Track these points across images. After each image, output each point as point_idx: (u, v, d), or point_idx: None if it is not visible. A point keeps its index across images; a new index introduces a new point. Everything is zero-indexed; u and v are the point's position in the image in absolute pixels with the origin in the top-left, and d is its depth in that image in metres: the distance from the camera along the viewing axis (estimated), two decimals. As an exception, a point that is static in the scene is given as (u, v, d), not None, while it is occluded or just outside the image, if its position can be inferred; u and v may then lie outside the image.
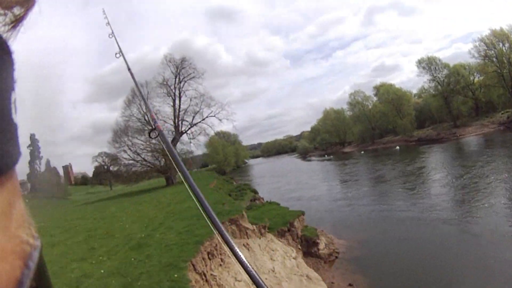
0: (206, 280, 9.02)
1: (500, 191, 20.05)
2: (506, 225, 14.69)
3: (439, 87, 71.65)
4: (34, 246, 0.39)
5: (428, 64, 72.53)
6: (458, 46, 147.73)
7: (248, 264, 1.43)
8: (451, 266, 12.31)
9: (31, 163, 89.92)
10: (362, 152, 76.90)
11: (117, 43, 3.02)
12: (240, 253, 1.47)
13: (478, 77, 68.03)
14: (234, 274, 10.10)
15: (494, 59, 60.37)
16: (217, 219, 1.69)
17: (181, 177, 2.05)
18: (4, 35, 0.38)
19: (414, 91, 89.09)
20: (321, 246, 15.93)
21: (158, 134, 2.23)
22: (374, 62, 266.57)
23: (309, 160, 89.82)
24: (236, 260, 1.46)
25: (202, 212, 1.85)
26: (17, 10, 0.40)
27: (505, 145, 37.31)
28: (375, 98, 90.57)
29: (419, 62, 74.16)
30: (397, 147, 66.03)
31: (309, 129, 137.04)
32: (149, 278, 7.89)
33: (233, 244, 1.53)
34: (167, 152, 2.08)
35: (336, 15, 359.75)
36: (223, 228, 1.62)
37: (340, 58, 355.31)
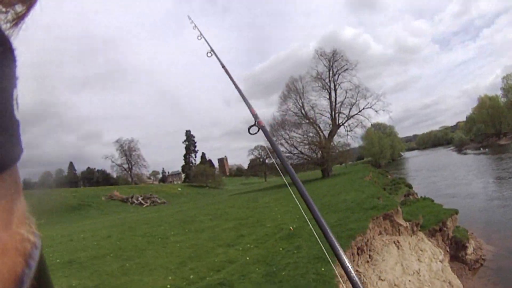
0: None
1: None
2: None
3: None
4: (35, 243, 0.39)
5: None
6: None
7: (353, 272, 1.35)
8: None
9: (186, 156, 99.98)
10: None
11: (208, 43, 3.12)
12: (345, 258, 1.39)
13: None
14: (379, 273, 9.55)
15: None
16: (324, 222, 1.58)
17: (281, 174, 2.07)
18: (6, 32, 0.38)
19: None
20: (469, 250, 14.28)
21: (258, 130, 2.20)
22: None
23: (464, 154, 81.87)
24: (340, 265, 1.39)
25: (304, 213, 1.83)
26: (18, 8, 0.40)
27: None
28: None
29: None
30: None
31: (464, 118, 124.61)
32: (294, 269, 7.74)
33: (340, 250, 1.43)
34: (267, 149, 1.71)
35: None
36: (330, 233, 1.51)
37: (487, 38, 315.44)
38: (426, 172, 52.89)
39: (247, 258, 9.10)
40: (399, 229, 13.06)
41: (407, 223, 13.69)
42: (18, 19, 0.40)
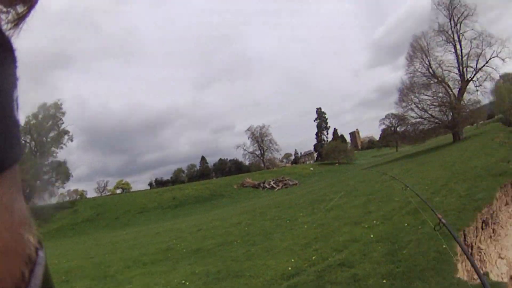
0: (471, 254, 7.80)
1: None
2: None
3: None
4: (36, 244, 0.39)
5: None
6: None
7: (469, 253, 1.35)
8: None
9: (318, 134, 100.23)
10: None
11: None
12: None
13: None
14: (500, 250, 8.85)
15: None
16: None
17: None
18: (7, 33, 0.39)
19: None
20: None
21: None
22: None
23: None
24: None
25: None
26: (20, 8, 0.41)
27: None
28: None
29: None
30: None
31: None
32: (416, 247, 7.52)
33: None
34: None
35: None
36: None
37: None
38: None
39: (371, 236, 9.00)
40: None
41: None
42: (19, 20, 0.41)
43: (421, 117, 45.47)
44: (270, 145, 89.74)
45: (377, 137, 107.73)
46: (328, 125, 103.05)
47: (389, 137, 77.31)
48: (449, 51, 45.63)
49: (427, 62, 44.66)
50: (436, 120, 44.80)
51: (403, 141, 56.36)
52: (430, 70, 44.62)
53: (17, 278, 0.34)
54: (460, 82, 44.88)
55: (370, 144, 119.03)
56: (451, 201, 10.67)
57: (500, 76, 53.30)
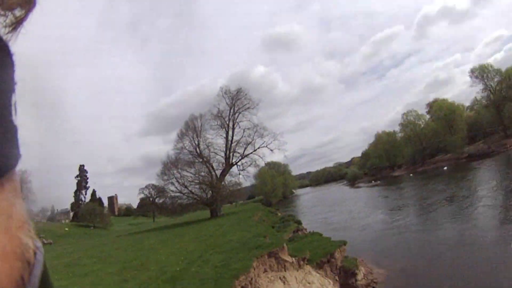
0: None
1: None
2: None
3: (491, 96, 70.54)
4: (35, 248, 0.39)
5: (481, 73, 71.71)
6: (509, 47, 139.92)
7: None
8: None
9: (77, 193, 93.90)
10: (411, 175, 75.44)
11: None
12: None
13: None
14: None
15: None
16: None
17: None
18: (5, 37, 0.39)
19: (467, 104, 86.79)
20: (359, 276, 15.69)
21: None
22: (427, 77, 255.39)
23: (357, 187, 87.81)
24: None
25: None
26: (18, 12, 0.41)
27: None
28: (428, 117, 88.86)
29: (472, 71, 73.47)
30: (445, 168, 64.58)
31: (360, 155, 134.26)
32: None
33: None
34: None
35: (390, 31, 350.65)
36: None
37: (394, 77, 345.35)
38: (315, 208, 56.12)
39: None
40: (284, 265, 13.89)
41: (293, 258, 14.63)
42: (17, 24, 0.41)
43: (180, 191, 47.45)
44: (29, 194, 79.11)
45: (135, 205, 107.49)
46: (88, 185, 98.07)
47: (147, 206, 77.92)
48: (221, 135, 50.11)
49: (196, 142, 47.86)
50: (195, 196, 47.39)
51: (161, 212, 57.67)
52: (198, 149, 47.85)
53: (15, 281, 0.34)
54: (223, 165, 49.07)
55: (128, 211, 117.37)
56: (207, 271, 11.53)
57: (265, 163, 60.62)
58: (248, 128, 49.79)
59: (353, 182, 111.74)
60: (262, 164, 54.37)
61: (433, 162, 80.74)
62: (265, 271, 12.84)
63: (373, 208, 38.64)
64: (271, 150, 50.14)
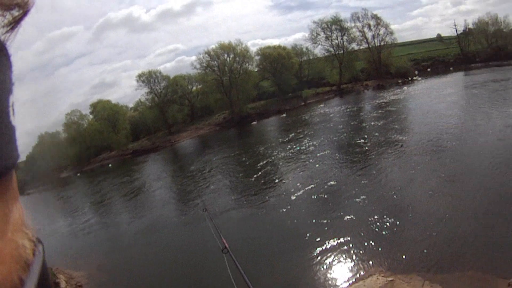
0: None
1: (213, 177, 25.34)
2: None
3: (156, 98, 77.38)
4: (33, 250, 0.39)
5: (148, 78, 77.18)
6: (181, 59, 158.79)
7: None
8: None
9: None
10: (78, 174, 75.52)
11: None
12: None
13: (197, 86, 76.50)
14: None
15: (216, 68, 69.97)
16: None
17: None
18: (2, 37, 0.39)
19: (131, 105, 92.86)
20: (63, 285, 15.06)
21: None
22: (94, 79, 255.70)
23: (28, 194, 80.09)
24: None
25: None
26: (15, 12, 0.41)
27: (216, 141, 45.70)
28: (91, 116, 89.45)
29: (139, 76, 77.88)
30: (110, 165, 67.99)
31: (25, 158, 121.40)
32: None
33: None
34: None
35: (69, 30, 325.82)
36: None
37: (62, 76, 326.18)
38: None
39: None
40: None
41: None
42: (15, 24, 0.40)
43: None
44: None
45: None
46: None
47: None
48: None
49: None
50: None
51: None
52: None
53: (13, 283, 0.34)
54: None
55: None
56: None
57: None
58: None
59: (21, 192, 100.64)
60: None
61: (99, 160, 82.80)
62: None
63: (48, 217, 36.19)
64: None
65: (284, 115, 55.05)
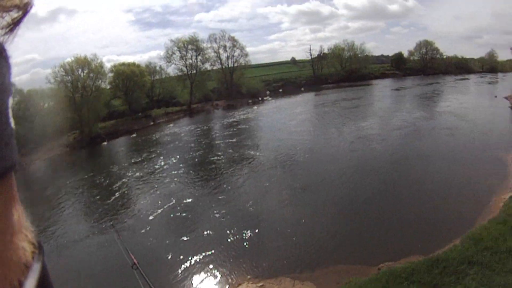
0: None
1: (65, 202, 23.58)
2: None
3: None
4: (33, 252, 0.39)
5: None
6: (36, 72, 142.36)
7: None
8: None
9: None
10: None
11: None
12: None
13: (49, 103, 70.36)
14: None
15: (69, 84, 65.19)
16: None
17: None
18: (1, 39, 0.39)
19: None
20: None
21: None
22: None
23: None
24: None
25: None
26: (14, 13, 0.40)
27: (69, 164, 43.83)
28: None
29: None
30: None
31: None
32: None
33: None
34: None
35: None
36: None
37: None
38: None
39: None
40: None
41: None
42: (14, 25, 0.41)
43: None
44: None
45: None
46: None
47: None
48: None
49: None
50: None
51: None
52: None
53: (12, 285, 0.34)
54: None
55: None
56: None
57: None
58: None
59: None
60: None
61: None
62: None
63: None
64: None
65: (134, 135, 53.75)
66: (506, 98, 44.96)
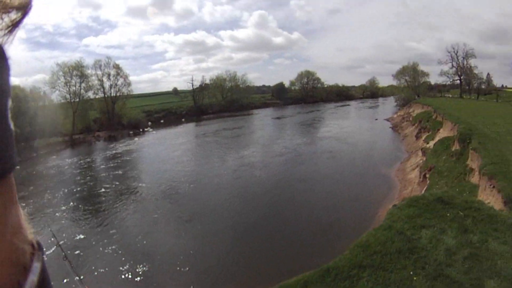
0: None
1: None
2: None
3: None
4: (32, 254, 0.41)
5: None
6: None
7: None
8: None
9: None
10: None
11: None
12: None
13: None
14: None
15: None
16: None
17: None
18: (0, 40, 0.40)
19: None
20: None
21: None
22: None
23: None
24: None
25: None
26: (14, 15, 0.41)
27: None
28: None
29: None
30: None
31: None
32: None
33: None
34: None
35: None
36: None
37: None
38: None
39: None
40: None
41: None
42: (13, 26, 0.41)
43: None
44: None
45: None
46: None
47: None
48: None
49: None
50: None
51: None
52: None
53: (12, 286, 0.34)
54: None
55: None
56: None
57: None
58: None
59: None
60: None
61: None
62: None
63: None
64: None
65: (18, 167, 49.98)
66: (387, 120, 50.96)
